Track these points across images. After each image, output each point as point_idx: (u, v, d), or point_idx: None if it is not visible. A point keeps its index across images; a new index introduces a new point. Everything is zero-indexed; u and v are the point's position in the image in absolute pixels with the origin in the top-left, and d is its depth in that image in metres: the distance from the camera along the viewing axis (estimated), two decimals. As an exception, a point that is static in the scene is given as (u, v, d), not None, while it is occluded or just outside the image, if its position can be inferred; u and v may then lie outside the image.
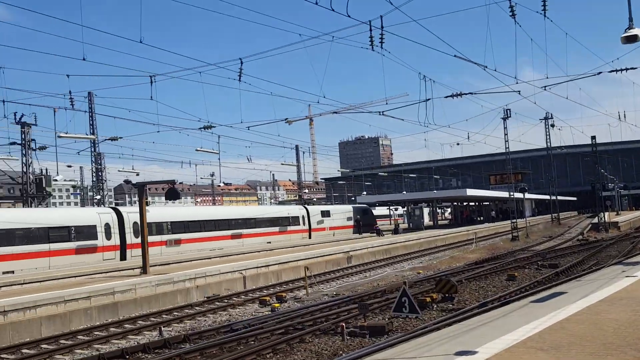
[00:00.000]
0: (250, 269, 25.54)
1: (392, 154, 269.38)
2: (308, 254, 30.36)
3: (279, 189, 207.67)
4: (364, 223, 56.55)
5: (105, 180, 57.33)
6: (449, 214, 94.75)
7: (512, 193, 53.02)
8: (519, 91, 28.00)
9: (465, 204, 75.98)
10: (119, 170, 50.84)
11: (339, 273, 28.92)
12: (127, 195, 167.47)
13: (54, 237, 28.83)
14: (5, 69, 28.04)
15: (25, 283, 22.23)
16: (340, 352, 12.61)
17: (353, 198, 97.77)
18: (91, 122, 51.38)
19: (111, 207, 34.51)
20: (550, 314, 10.64)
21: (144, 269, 23.61)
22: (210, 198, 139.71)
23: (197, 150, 39.00)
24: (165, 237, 35.57)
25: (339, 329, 14.17)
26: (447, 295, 18.34)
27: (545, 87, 27.03)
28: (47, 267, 27.86)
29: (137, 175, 50.16)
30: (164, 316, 18.69)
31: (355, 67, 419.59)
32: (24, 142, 37.76)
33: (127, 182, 40.13)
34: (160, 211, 37.53)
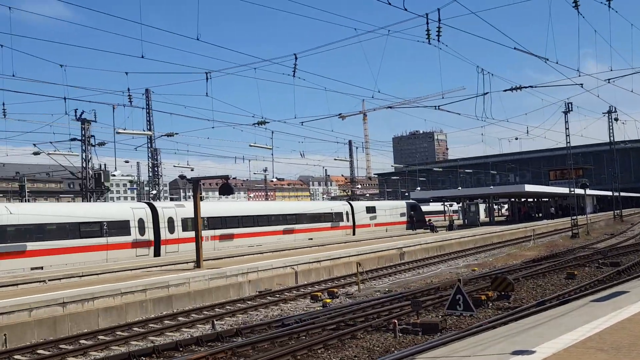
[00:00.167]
0: (302, 264, 25.53)
1: (447, 149, 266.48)
2: (360, 250, 30.20)
3: (331, 185, 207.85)
4: (412, 219, 56.01)
5: (161, 176, 58.45)
6: (506, 210, 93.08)
7: (572, 189, 51.56)
8: (582, 84, 27.13)
9: (523, 200, 74.45)
10: (174, 166, 51.73)
11: (391, 269, 28.64)
12: (181, 190, 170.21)
13: (84, 232, 28.56)
14: (67, 67, 28.61)
15: (84, 275, 22.78)
16: (392, 349, 12.43)
17: (407, 194, 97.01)
18: (148, 119, 52.55)
19: (145, 202, 34.21)
20: (611, 313, 10.27)
21: (198, 263, 23.88)
22: (263, 193, 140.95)
23: (250, 145, 39.41)
24: (218, 232, 35.90)
25: (391, 326, 14.00)
26: (503, 293, 17.90)
27: (609, 79, 26.14)
28: (78, 263, 27.42)
29: (192, 170, 50.96)
30: (216, 310, 18.83)
31: (410, 61, 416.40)
32: (83, 138, 38.81)
33: (182, 177, 40.80)
34: (213, 206, 37.92)
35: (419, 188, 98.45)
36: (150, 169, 56.29)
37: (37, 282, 21.16)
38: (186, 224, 33.57)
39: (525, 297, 18.43)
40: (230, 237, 36.79)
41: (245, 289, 22.08)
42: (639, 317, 9.85)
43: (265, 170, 79.73)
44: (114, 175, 41.66)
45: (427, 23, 19.71)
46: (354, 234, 48.70)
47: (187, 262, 25.50)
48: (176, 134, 37.70)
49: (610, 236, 45.73)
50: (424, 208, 77.44)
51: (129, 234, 30.57)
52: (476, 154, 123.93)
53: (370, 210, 52.50)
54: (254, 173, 78.19)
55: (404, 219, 56.25)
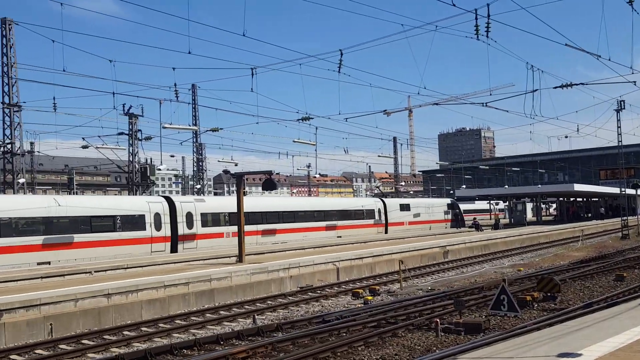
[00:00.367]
0: (344, 261, 25.45)
1: (494, 146, 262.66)
2: (403, 248, 29.95)
3: (375, 181, 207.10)
4: (457, 218, 55.18)
5: (206, 170, 59.13)
6: (554, 209, 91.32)
7: (623, 189, 50.16)
8: (635, 82, 26.40)
9: (572, 199, 72.90)
10: (218, 161, 52.24)
11: (434, 268, 28.35)
12: (225, 185, 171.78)
13: (96, 227, 27.66)
14: (116, 62, 29.14)
15: (128, 267, 23.17)
16: (434, 349, 12.25)
17: (451, 191, 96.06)
18: (194, 114, 53.18)
19: (163, 196, 33.03)
20: (662, 317, 9.90)
21: (240, 258, 24.02)
22: (306, 189, 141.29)
23: (294, 141, 39.34)
24: (260, 227, 35.97)
25: (433, 325, 13.81)
26: (549, 294, 17.49)
27: (664, 77, 25.32)
28: (88, 258, 26.56)
29: (236, 165, 51.27)
30: (257, 304, 18.91)
31: (458, 57, 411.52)
32: (131, 132, 39.49)
33: (225, 172, 40.97)
34: (256, 201, 38.03)
35: (464, 186, 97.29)
36: (194, 164, 57.01)
37: (83, 273, 21.60)
38: (206, 219, 32.72)
39: (572, 299, 17.98)
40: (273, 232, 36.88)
41: (286, 284, 22.12)
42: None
43: (308, 166, 79.92)
44: (160, 170, 42.31)
45: (476, 18, 19.53)
46: (386, 232, 47.33)
47: (229, 257, 25.68)
48: (221, 129, 37.85)
49: (662, 238, 44.39)
50: (469, 206, 76.62)
51: (144, 228, 29.67)
52: (524, 152, 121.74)
53: (405, 208, 50.90)
54: (298, 169, 78.36)
55: (441, 217, 54.98)
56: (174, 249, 30.94)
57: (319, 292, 21.22)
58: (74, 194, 57.36)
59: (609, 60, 23.40)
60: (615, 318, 10.25)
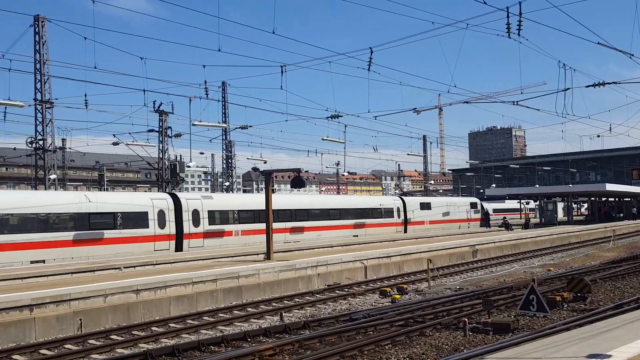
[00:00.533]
0: (372, 259, 25.39)
1: (525, 145, 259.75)
2: (431, 247, 29.78)
3: (404, 180, 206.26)
4: (487, 217, 54.61)
5: (235, 167, 59.56)
6: (586, 209, 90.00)
7: (656, 189, 49.21)
8: (668, 80, 25.93)
9: (604, 199, 71.75)
10: (247, 158, 52.32)
11: (463, 267, 28.13)
12: (254, 182, 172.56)
13: (94, 224, 26.75)
14: (147, 59, 29.47)
15: (157, 264, 23.39)
16: (462, 348, 12.16)
17: (482, 190, 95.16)
18: (224, 111, 53.63)
19: (168, 193, 32.07)
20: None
21: (268, 255, 24.10)
22: (335, 187, 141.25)
23: (323, 139, 39.32)
24: (289, 225, 35.96)
25: (461, 324, 13.70)
26: (579, 294, 17.24)
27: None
28: (87, 257, 25.82)
29: (265, 162, 51.39)
30: (285, 302, 18.95)
31: (489, 56, 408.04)
32: (161, 129, 39.87)
33: (255, 169, 41.19)
34: (284, 199, 38.06)
35: (494, 185, 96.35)
36: (224, 161, 57.41)
37: (112, 269, 21.88)
38: (213, 217, 31.92)
39: (603, 300, 17.69)
40: (301, 230, 36.88)
41: (314, 282, 22.13)
42: None
43: (337, 164, 79.79)
44: (189, 167, 42.56)
45: (508, 17, 19.49)
46: (405, 231, 46.28)
47: (257, 254, 25.78)
48: (250, 126, 38.16)
49: (698, 239, 43.48)
50: (499, 205, 75.83)
51: (147, 226, 28.77)
52: (555, 151, 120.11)
53: (425, 206, 49.79)
54: (326, 167, 78.27)
55: (464, 216, 54.21)
56: (179, 248, 30.19)
57: (346, 290, 21.20)
58: (105, 190, 58.09)
59: (643, 58, 22.98)
60: (647, 320, 10.06)
